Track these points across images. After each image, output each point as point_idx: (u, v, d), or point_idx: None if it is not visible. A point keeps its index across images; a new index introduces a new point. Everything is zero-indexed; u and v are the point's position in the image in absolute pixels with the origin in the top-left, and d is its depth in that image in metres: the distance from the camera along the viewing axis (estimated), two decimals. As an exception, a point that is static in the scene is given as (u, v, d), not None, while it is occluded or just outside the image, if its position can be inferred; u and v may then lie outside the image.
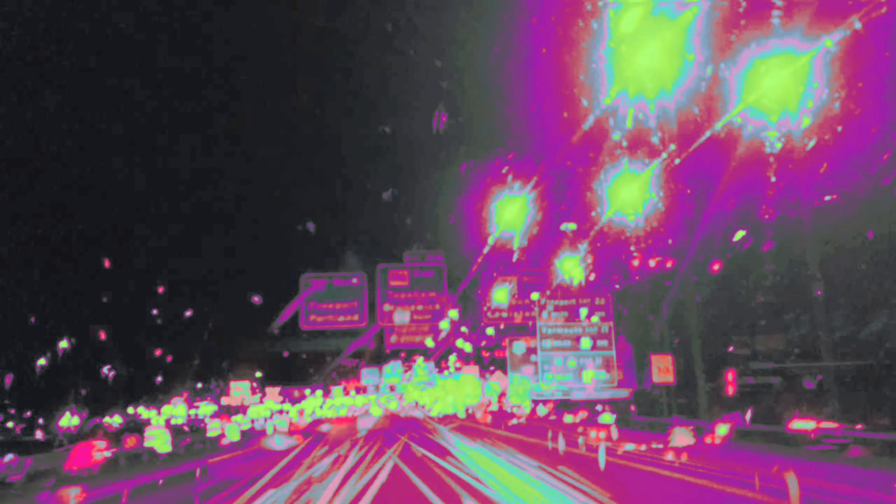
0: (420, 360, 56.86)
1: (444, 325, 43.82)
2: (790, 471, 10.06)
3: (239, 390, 47.42)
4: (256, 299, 46.19)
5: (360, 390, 64.76)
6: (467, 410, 56.74)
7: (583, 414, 39.23)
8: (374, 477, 15.57)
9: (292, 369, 58.17)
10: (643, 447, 20.79)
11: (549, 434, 25.18)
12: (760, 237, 27.98)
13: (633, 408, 38.88)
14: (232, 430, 34.72)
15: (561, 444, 21.88)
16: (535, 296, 38.86)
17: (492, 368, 53.50)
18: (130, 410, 40.64)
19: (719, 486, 11.93)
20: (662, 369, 34.21)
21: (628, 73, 14.74)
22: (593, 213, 24.74)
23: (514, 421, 41.27)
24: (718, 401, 33.05)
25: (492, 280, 41.48)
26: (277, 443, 28.24)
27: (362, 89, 60.89)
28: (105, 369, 41.09)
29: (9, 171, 33.17)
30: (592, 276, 34.00)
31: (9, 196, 33.09)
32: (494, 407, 55.83)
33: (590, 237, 28.01)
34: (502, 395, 52.81)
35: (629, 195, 21.27)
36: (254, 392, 48.17)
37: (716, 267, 31.41)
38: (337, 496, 12.71)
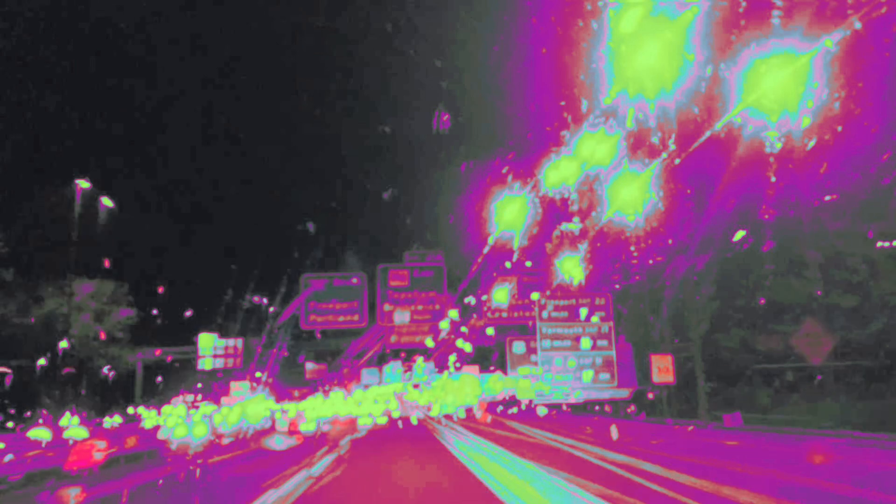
0: (420, 360, 56.84)
1: (444, 325, 43.85)
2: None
3: (239, 390, 47.38)
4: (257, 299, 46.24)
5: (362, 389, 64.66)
6: (467, 410, 56.71)
7: (584, 413, 39.21)
8: (375, 475, 15.59)
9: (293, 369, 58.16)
10: (642, 446, 20.78)
11: (549, 434, 25.21)
12: (760, 237, 27.99)
13: (632, 408, 38.88)
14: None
15: (560, 444, 21.90)
16: (535, 296, 38.85)
17: (492, 368, 53.50)
18: (130, 410, 40.59)
19: (718, 486, 11.92)
20: (662, 369, 34.22)
21: (628, 73, 14.74)
22: (593, 213, 24.72)
23: (513, 422, 41.25)
24: (718, 400, 33.07)
25: (492, 280, 41.47)
26: (277, 443, 28.23)
27: (362, 89, 60.93)
28: (105, 369, 41.13)
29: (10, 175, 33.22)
30: (592, 276, 33.98)
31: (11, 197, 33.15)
32: (499, 409, 55.89)
33: (590, 237, 28.00)
34: (501, 395, 52.81)
35: (629, 195, 21.25)
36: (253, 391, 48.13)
37: (717, 265, 31.42)
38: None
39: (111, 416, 33.71)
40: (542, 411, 44.09)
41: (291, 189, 67.59)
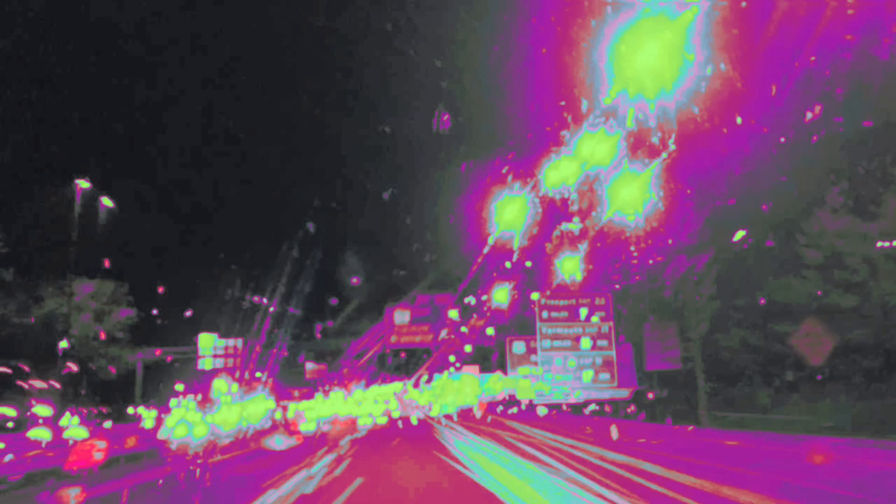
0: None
1: (445, 325, 43.89)
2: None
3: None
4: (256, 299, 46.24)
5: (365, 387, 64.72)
6: (467, 410, 56.74)
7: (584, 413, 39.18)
8: (376, 475, 15.59)
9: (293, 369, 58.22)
10: (642, 446, 20.79)
11: (549, 434, 25.20)
12: (760, 237, 27.99)
13: (632, 408, 38.87)
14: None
15: (560, 444, 21.90)
16: (535, 296, 38.83)
17: (492, 368, 53.55)
18: (130, 410, 40.59)
19: (718, 486, 11.92)
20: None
21: (628, 73, 14.74)
22: (593, 213, 24.74)
23: (513, 422, 41.24)
24: (718, 400, 33.06)
25: (492, 280, 41.49)
26: (277, 443, 28.22)
27: (362, 89, 60.95)
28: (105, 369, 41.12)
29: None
30: (592, 276, 33.98)
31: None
32: (499, 409, 55.92)
33: (590, 237, 28.01)
34: (501, 395, 52.84)
35: (629, 195, 21.26)
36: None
37: (717, 265, 31.42)
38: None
39: (103, 422, 33.41)
40: (542, 411, 44.08)
41: (291, 189, 67.67)
